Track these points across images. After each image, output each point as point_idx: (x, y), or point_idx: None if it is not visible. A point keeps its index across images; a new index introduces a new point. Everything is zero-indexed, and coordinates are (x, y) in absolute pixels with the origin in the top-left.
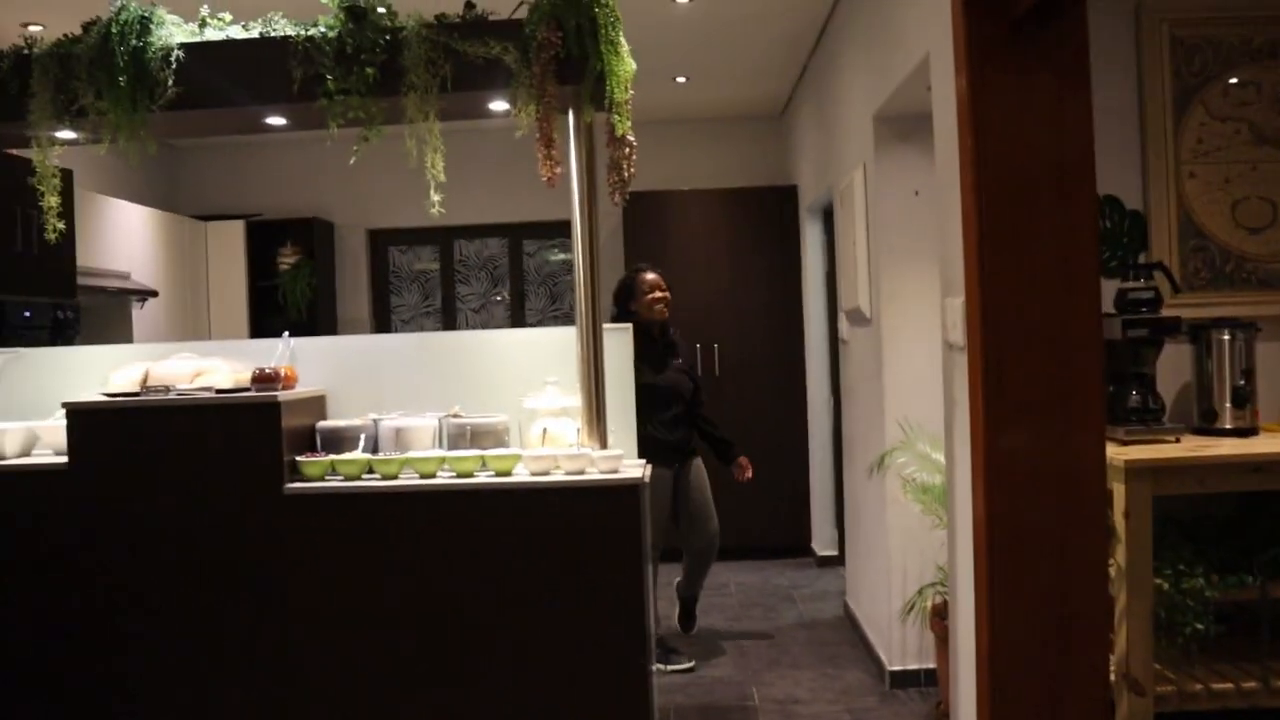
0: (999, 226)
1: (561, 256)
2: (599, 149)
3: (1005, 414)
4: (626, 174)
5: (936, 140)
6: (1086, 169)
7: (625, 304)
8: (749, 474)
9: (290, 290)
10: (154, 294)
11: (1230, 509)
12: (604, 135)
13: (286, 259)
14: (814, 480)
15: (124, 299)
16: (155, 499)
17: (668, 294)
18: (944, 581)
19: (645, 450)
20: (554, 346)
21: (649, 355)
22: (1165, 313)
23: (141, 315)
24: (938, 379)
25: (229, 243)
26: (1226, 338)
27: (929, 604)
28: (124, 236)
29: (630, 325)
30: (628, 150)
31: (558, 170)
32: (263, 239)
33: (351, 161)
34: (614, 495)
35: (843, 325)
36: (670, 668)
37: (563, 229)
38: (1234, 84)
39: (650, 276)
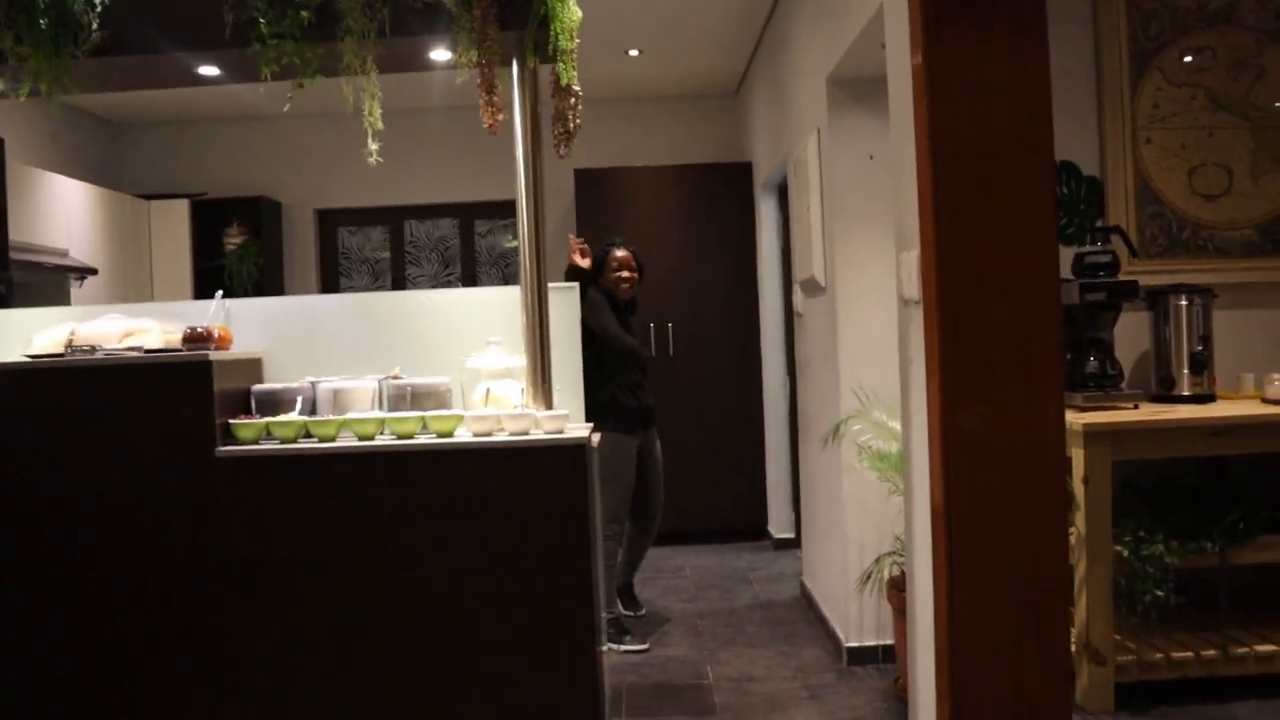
0: (955, 184)
1: (515, 243)
2: (545, 101)
3: (962, 372)
4: (572, 125)
5: (891, 98)
6: (1044, 127)
7: (595, 276)
8: None
9: (236, 271)
10: (93, 272)
11: (1190, 476)
12: (549, 87)
13: (232, 239)
14: (770, 462)
15: (62, 276)
16: (80, 463)
17: (635, 274)
18: (901, 551)
19: (614, 415)
20: (498, 307)
21: (620, 321)
22: (1123, 279)
23: (81, 294)
24: (894, 346)
25: (173, 221)
26: (1184, 303)
27: (885, 575)
28: (62, 212)
29: (577, 286)
30: (573, 100)
31: (499, 117)
32: (208, 218)
33: (285, 108)
34: (560, 455)
35: (797, 298)
36: (623, 648)
37: (510, 209)
38: (1190, 50)
39: (620, 254)
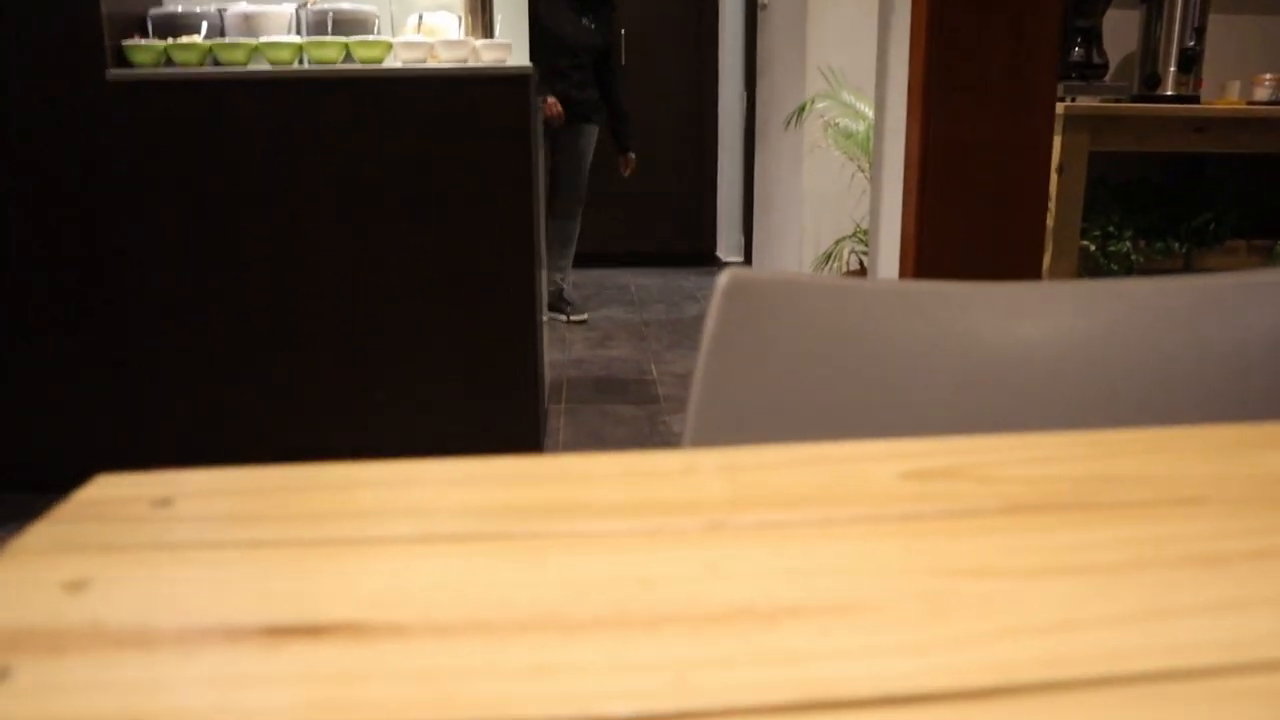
0: None
1: None
2: None
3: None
4: None
5: None
6: None
7: None
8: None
9: None
10: None
11: (1166, 178)
12: None
13: None
14: (722, 184)
15: None
16: None
17: None
18: (861, 236)
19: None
20: None
21: (564, 6)
22: None
23: None
24: (866, 30)
25: None
26: None
27: (845, 260)
28: None
29: None
30: None
31: None
32: None
33: None
34: (500, 86)
35: None
36: (571, 318)
37: None
38: None
39: None
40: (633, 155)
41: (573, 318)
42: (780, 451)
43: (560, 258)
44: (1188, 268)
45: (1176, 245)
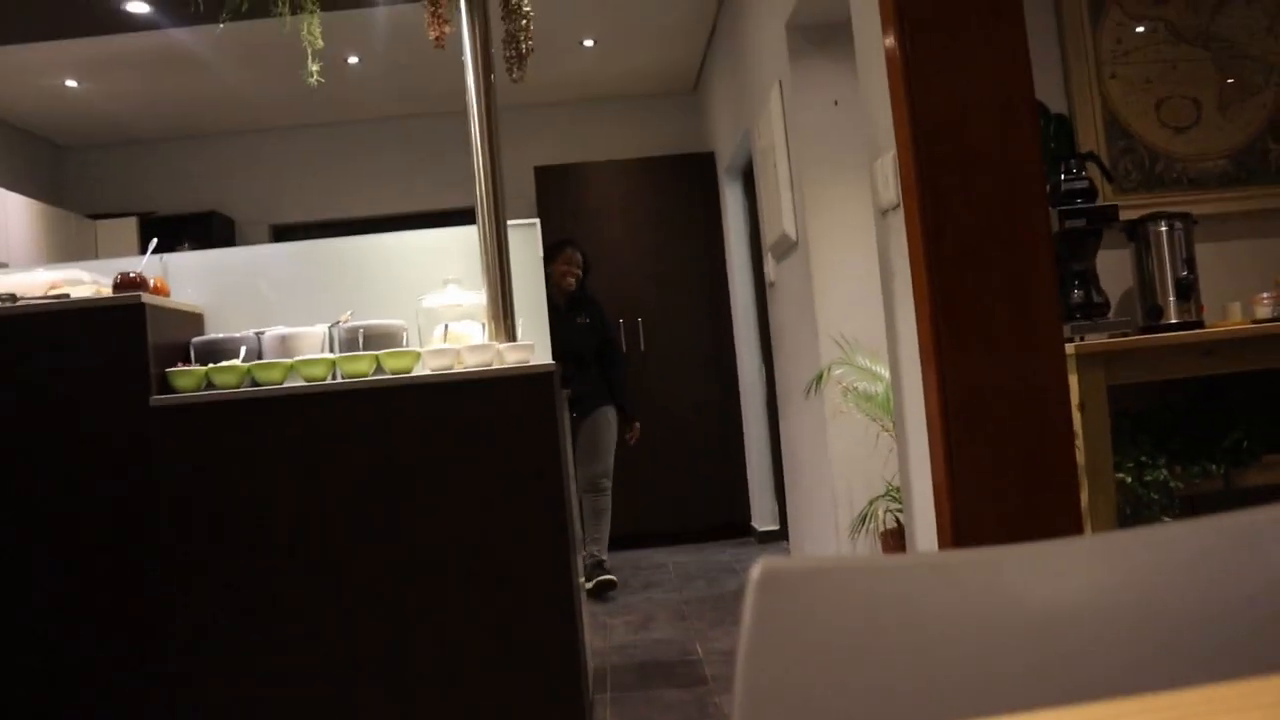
0: (933, 146)
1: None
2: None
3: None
4: (524, 48)
5: (855, 30)
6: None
7: (546, 266)
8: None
9: None
10: None
11: (1185, 401)
12: (499, 9)
13: None
14: (750, 453)
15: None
16: (3, 417)
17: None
18: (894, 495)
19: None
20: (455, 248)
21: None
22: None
23: None
24: (870, 298)
25: (120, 240)
26: (1164, 229)
27: (880, 520)
28: (2, 226)
29: (537, 222)
30: (524, 22)
31: (446, 29)
32: (157, 237)
33: (219, 29)
34: (526, 385)
35: (769, 267)
36: (601, 578)
37: (473, 216)
38: None
39: (570, 253)
40: (638, 424)
41: (602, 579)
42: None
43: (594, 530)
44: (1228, 487)
45: (1214, 467)
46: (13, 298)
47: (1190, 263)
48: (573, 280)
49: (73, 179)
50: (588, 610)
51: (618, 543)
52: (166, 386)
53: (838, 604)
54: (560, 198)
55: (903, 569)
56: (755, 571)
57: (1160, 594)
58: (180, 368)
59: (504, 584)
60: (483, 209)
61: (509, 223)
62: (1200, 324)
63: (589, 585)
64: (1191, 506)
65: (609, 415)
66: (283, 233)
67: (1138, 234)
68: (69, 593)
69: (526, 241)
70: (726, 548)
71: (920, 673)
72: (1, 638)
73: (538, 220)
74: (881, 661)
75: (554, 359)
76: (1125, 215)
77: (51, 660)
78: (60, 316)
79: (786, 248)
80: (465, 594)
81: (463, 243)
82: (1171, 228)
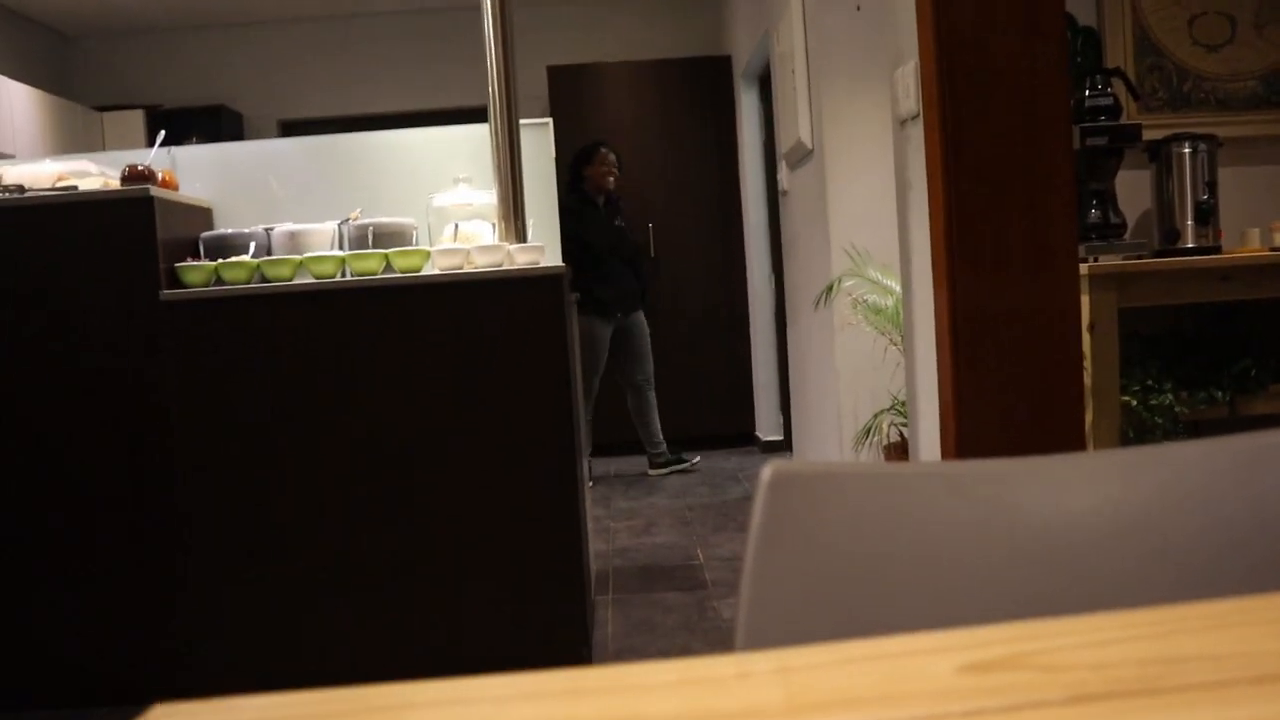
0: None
1: None
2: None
3: (967, 188)
4: None
5: None
6: None
7: (579, 168)
8: None
9: None
10: None
11: (1197, 328)
12: None
13: None
14: (757, 364)
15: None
16: (8, 310)
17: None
18: (899, 408)
19: (585, 305)
20: (465, 146)
21: (592, 220)
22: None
23: None
24: (884, 210)
25: (127, 134)
26: (1188, 150)
27: (885, 433)
28: (7, 116)
29: (550, 122)
30: None
31: None
32: (165, 130)
33: None
34: (537, 286)
35: (782, 175)
36: (686, 464)
37: (484, 114)
38: None
39: (605, 153)
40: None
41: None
42: (834, 650)
43: (646, 427)
44: (1233, 415)
45: (1219, 394)
46: (20, 189)
47: (1211, 186)
48: (612, 180)
49: (79, 70)
50: (590, 514)
51: (623, 449)
52: (175, 281)
53: (846, 508)
54: (573, 99)
55: (911, 477)
56: (766, 473)
57: (1164, 510)
58: (190, 263)
59: (507, 486)
60: (495, 107)
61: (521, 122)
62: (1217, 249)
63: (669, 471)
64: (1196, 432)
65: (643, 316)
66: (291, 128)
67: (1160, 155)
68: (78, 487)
69: (539, 142)
70: (731, 456)
71: (924, 578)
72: (8, 532)
73: (550, 120)
74: (886, 566)
75: (596, 258)
76: (1148, 135)
77: (57, 558)
78: (69, 209)
79: (801, 156)
80: (468, 495)
81: (474, 141)
82: (1195, 150)
